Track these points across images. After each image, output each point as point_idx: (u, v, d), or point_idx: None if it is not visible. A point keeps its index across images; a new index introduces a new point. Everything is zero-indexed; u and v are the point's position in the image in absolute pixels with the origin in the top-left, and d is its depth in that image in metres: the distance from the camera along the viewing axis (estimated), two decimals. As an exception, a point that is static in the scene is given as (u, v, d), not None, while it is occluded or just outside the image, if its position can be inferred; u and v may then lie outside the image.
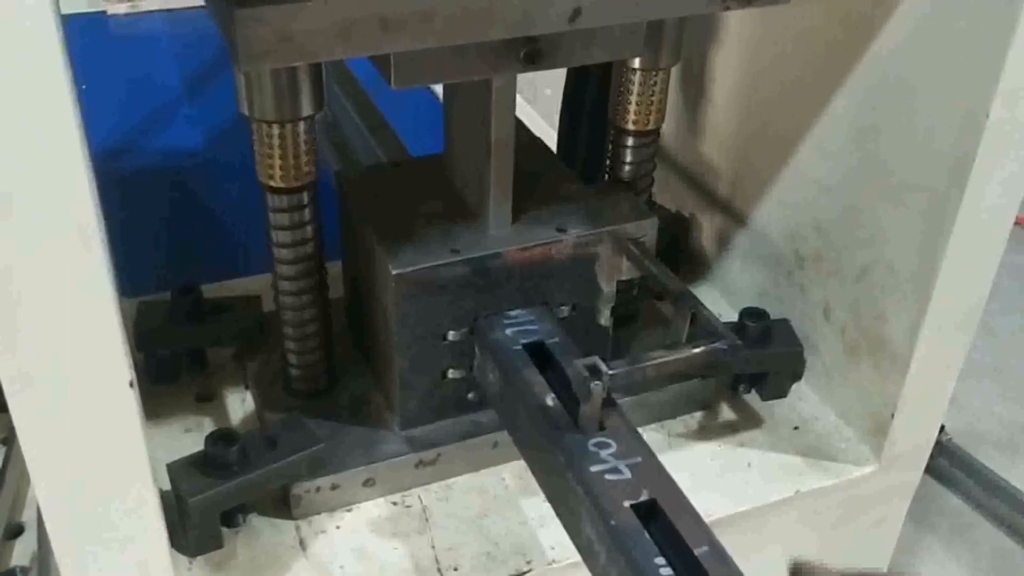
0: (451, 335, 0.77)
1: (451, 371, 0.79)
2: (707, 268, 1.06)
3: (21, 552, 0.79)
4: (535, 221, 0.79)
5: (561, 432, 0.66)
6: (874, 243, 0.82)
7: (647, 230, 0.81)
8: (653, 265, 0.77)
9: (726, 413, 0.90)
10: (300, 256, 0.76)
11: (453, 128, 0.82)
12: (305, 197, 0.74)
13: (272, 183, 0.72)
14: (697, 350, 0.68)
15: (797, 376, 0.93)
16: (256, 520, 0.77)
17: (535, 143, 0.91)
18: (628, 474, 0.62)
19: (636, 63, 0.85)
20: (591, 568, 0.61)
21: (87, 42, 1.80)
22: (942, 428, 1.19)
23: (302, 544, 0.75)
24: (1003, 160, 0.72)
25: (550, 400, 0.68)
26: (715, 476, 0.84)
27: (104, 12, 1.97)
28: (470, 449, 0.81)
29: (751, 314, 0.88)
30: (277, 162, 0.71)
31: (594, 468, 0.62)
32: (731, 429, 0.89)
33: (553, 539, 0.76)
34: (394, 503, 0.79)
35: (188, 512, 0.70)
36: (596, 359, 0.64)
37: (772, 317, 0.89)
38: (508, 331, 0.76)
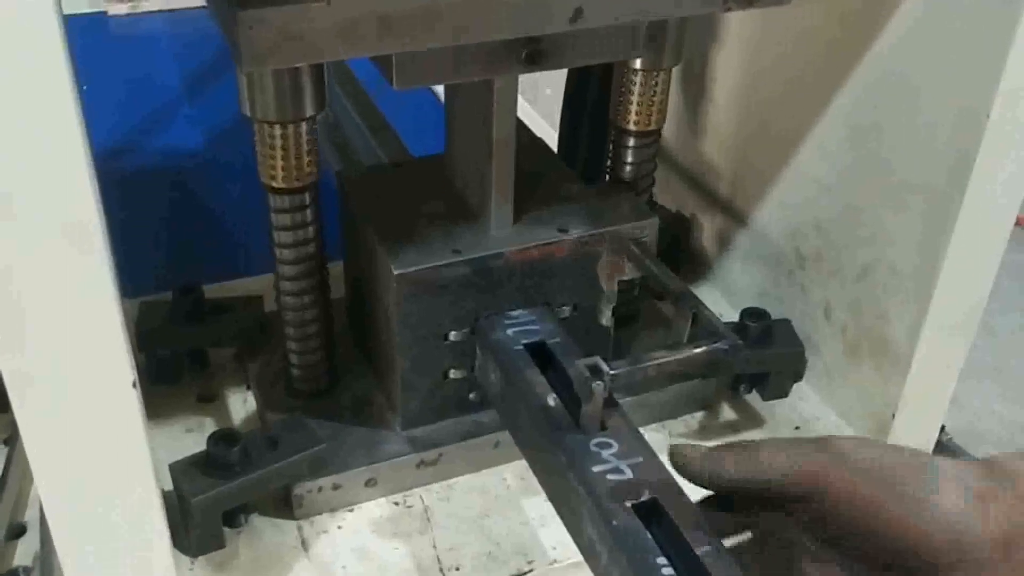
0: (452, 335, 0.78)
1: (452, 371, 0.79)
2: (708, 268, 1.06)
3: (23, 552, 0.79)
4: (536, 221, 0.80)
5: (562, 432, 0.66)
6: (875, 243, 0.83)
7: (648, 230, 0.81)
8: (654, 265, 0.77)
9: (727, 413, 0.90)
10: (302, 256, 0.76)
11: (454, 128, 0.82)
12: (307, 197, 0.74)
13: (274, 183, 0.72)
14: (698, 350, 0.68)
15: (798, 376, 0.93)
16: (258, 520, 0.77)
17: (536, 143, 0.91)
18: (630, 474, 0.62)
19: (638, 64, 0.85)
20: (593, 568, 0.60)
21: (87, 42, 1.80)
22: (943, 428, 1.19)
23: (304, 544, 0.75)
24: (1004, 160, 0.72)
25: (552, 400, 0.68)
26: (716, 476, 0.84)
27: (104, 12, 1.96)
28: (471, 449, 0.81)
29: (752, 314, 0.88)
30: (279, 163, 0.71)
31: (596, 468, 0.62)
32: (732, 429, 0.89)
33: (554, 539, 0.76)
34: (396, 503, 0.79)
35: (190, 512, 0.71)
36: (597, 359, 0.64)
37: (773, 317, 0.89)
38: (509, 331, 0.76)
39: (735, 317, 0.89)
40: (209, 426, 0.85)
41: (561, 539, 0.72)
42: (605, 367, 0.63)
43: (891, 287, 0.82)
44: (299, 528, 0.76)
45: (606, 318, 0.82)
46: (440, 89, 0.83)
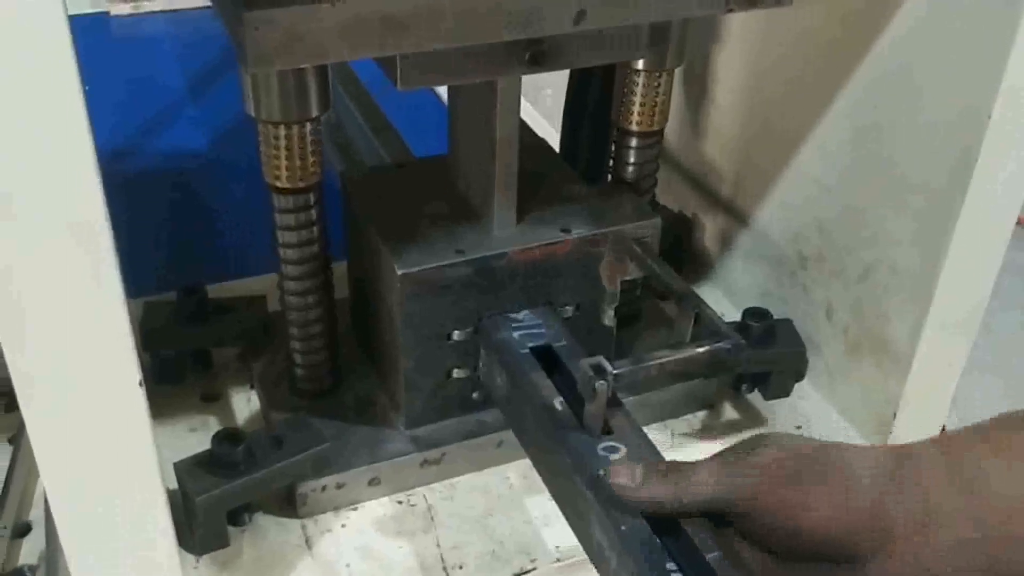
0: (456, 335, 0.78)
1: (456, 371, 0.80)
2: (710, 268, 1.07)
3: (29, 551, 0.80)
4: (539, 222, 0.80)
5: (566, 432, 0.66)
6: (876, 243, 0.83)
7: (650, 230, 0.81)
8: (656, 265, 0.78)
9: (729, 412, 0.91)
10: (306, 256, 0.77)
11: (457, 129, 0.82)
12: (311, 198, 0.74)
13: (278, 184, 0.73)
14: (701, 350, 0.69)
15: (800, 375, 0.93)
16: (262, 519, 0.77)
17: (539, 144, 0.91)
18: None
19: (640, 65, 0.85)
20: (602, 574, 0.60)
21: (90, 43, 1.80)
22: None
23: (308, 543, 0.76)
24: (1005, 160, 0.73)
25: (558, 404, 0.69)
26: (718, 475, 0.84)
27: (107, 13, 1.96)
28: (474, 448, 0.81)
29: (754, 314, 0.89)
30: (283, 163, 0.71)
31: (602, 472, 0.62)
32: (734, 428, 0.89)
33: (557, 538, 0.76)
34: (399, 502, 0.79)
35: (195, 511, 0.71)
36: (601, 359, 0.64)
37: (775, 317, 0.89)
38: (515, 333, 0.76)
39: (737, 317, 0.89)
40: (213, 425, 0.86)
41: (564, 538, 0.73)
42: (608, 366, 0.64)
43: (892, 287, 0.82)
44: (303, 527, 0.77)
45: (609, 318, 0.83)
46: (442, 90, 0.84)
